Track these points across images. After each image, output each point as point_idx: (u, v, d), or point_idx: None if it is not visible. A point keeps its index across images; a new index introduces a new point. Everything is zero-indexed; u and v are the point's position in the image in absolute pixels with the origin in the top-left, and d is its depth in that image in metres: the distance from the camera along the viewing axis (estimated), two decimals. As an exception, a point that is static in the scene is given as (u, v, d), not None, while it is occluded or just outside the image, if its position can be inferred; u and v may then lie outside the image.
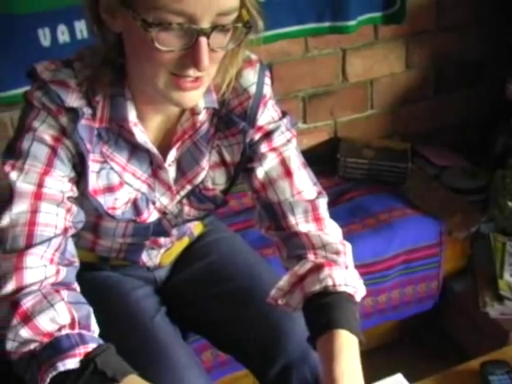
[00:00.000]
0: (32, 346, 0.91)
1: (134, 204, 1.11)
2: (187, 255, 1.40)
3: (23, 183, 0.98)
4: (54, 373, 0.88)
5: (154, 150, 1.06)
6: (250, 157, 1.13)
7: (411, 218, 1.94)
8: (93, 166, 1.04)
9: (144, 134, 1.04)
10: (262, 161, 1.11)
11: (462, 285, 2.06)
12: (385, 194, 2.06)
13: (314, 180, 1.15)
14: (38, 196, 0.98)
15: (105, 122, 1.02)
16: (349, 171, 2.15)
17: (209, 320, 1.31)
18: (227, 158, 1.13)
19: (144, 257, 1.28)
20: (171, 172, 1.11)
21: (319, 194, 1.14)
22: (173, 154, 1.08)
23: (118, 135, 1.04)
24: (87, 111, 1.00)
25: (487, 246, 2.04)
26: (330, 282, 1.04)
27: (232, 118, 1.09)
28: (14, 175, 0.98)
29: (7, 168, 0.98)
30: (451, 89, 2.40)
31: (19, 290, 0.94)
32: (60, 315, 0.92)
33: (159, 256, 1.31)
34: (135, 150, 1.06)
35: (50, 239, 0.97)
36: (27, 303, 0.93)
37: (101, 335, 0.98)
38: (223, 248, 1.40)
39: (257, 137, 1.11)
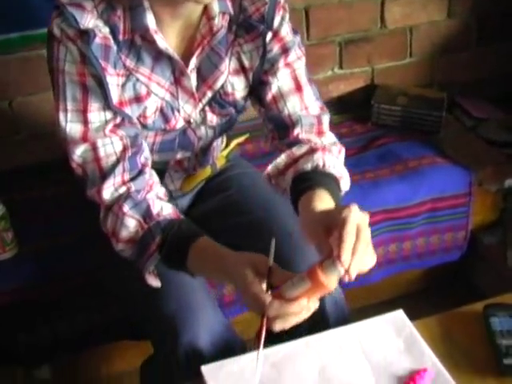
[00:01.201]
0: (127, 254, 1.13)
1: (162, 112, 1.17)
2: (209, 187, 1.44)
3: (71, 124, 1.09)
4: (148, 273, 1.10)
5: (176, 55, 1.12)
6: (265, 70, 1.19)
7: (440, 167, 1.91)
8: (117, 80, 1.10)
9: (164, 41, 1.09)
10: (277, 75, 1.19)
11: (491, 238, 2.02)
12: (417, 142, 2.04)
13: (317, 95, 1.23)
14: (88, 133, 1.09)
15: (127, 33, 1.07)
16: (382, 118, 2.14)
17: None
18: (246, 63, 1.20)
19: (166, 178, 1.34)
20: (193, 80, 1.17)
21: (322, 109, 1.22)
22: (194, 61, 1.14)
23: (141, 46, 1.10)
24: (103, 30, 1.05)
25: (521, 201, 2.00)
26: (320, 163, 1.12)
27: (251, 23, 1.16)
28: (61, 117, 1.09)
29: (56, 110, 1.09)
30: (493, 39, 2.33)
31: (105, 216, 1.13)
32: (130, 226, 1.10)
33: (181, 180, 1.37)
34: (158, 58, 1.12)
35: (115, 167, 1.11)
36: (108, 225, 1.12)
37: None
38: (244, 182, 1.44)
39: (275, 48, 1.18)
